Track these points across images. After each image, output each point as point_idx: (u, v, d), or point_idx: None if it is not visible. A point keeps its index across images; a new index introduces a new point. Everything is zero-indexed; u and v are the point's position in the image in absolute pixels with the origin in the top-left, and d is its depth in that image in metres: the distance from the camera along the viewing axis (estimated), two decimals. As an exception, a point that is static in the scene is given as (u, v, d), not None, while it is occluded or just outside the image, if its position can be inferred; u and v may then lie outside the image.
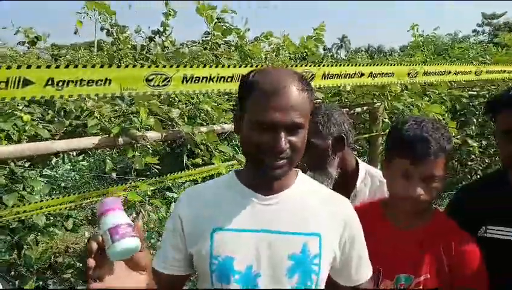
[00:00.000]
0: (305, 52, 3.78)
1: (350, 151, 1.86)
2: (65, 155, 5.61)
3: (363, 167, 1.85)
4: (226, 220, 1.08)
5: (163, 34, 3.47)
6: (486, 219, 1.45)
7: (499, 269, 1.36)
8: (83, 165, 6.50)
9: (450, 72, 2.85)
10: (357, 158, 1.90)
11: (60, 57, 2.73)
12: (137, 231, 0.94)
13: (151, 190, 2.20)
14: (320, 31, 3.70)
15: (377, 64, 2.50)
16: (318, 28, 3.67)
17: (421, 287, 1.36)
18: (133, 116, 2.17)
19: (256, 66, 2.38)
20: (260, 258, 1.06)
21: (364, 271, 1.19)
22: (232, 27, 3.41)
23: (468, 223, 1.45)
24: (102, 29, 3.20)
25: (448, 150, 1.35)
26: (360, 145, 3.91)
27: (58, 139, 2.15)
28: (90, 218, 2.49)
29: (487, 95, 4.16)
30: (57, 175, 5.20)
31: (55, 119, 2.36)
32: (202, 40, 3.42)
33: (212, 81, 1.72)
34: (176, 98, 2.45)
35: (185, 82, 1.62)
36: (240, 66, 1.94)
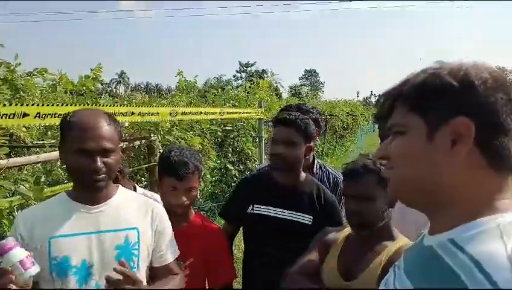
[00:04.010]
0: (84, 90, 3.96)
1: (127, 181, 2.28)
2: None
3: (140, 190, 2.31)
4: (60, 229, 1.37)
5: None
6: (255, 200, 2.01)
7: (259, 238, 1.97)
8: None
9: (202, 113, 3.68)
10: (135, 184, 2.34)
11: None
12: (34, 259, 1.22)
13: None
14: (97, 71, 3.99)
15: (146, 106, 3.03)
16: (95, 69, 3.94)
17: (187, 270, 1.83)
18: None
19: (31, 102, 2.49)
20: (92, 253, 1.39)
21: (172, 252, 1.60)
22: (1, 60, 3.29)
23: (242, 203, 2.03)
24: None
25: (200, 168, 1.95)
26: (141, 175, 4.32)
27: None
28: None
29: (235, 130, 5.39)
30: None
31: None
32: (-37, 73, 3.15)
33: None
34: None
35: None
36: (22, 105, 2.06)
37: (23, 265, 1.20)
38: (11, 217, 2.28)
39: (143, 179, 5.51)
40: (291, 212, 1.97)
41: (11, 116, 1.91)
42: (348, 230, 1.69)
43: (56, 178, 5.59)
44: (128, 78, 71.76)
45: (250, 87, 6.59)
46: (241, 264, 2.18)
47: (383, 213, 1.55)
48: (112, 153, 1.40)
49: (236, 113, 4.40)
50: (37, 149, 4.33)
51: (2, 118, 1.85)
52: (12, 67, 3.34)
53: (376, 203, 1.53)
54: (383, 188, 1.49)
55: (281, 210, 1.98)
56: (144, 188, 3.08)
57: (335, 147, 14.94)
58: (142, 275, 1.52)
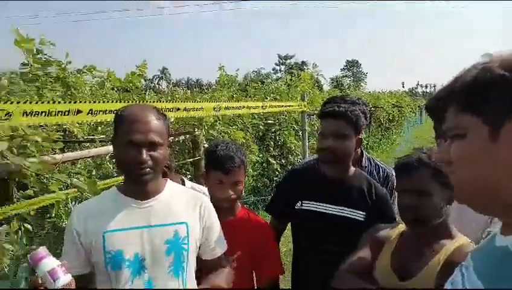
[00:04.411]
0: (130, 86, 4.09)
1: (174, 175, 2.32)
2: None
3: (188, 184, 2.35)
4: (113, 223, 1.41)
5: (-29, 64, 3.22)
6: (302, 196, 1.97)
7: (309, 234, 1.95)
8: None
9: (244, 107, 3.68)
10: (183, 177, 2.38)
11: None
12: (66, 268, 1.25)
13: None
14: (142, 68, 4.09)
15: (192, 101, 3.07)
16: (141, 66, 4.05)
17: (234, 263, 1.82)
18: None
19: (82, 100, 2.57)
20: (144, 247, 1.42)
21: (221, 247, 1.63)
22: (52, 59, 3.45)
23: (288, 198, 2.01)
24: None
25: (245, 162, 1.95)
26: (185, 169, 4.40)
27: None
28: None
29: (277, 123, 5.35)
30: None
31: None
32: (21, 72, 3.33)
33: (51, 114, 1.91)
34: (1, 132, 2.41)
35: (25, 116, 1.77)
36: (76, 102, 2.15)
37: (52, 275, 1.23)
38: (66, 208, 2.40)
39: (188, 173, 5.64)
40: (342, 208, 1.92)
41: (66, 113, 2.00)
42: (402, 227, 1.63)
43: (106, 172, 5.86)
44: (169, 74, 73.75)
45: (291, 79, 6.51)
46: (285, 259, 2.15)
47: (440, 210, 1.48)
48: (159, 147, 1.42)
49: (278, 106, 4.36)
50: (88, 144, 4.54)
51: (57, 115, 1.94)
52: (63, 66, 3.49)
53: (432, 199, 1.46)
54: (439, 183, 1.44)
55: (331, 206, 1.93)
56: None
57: (380, 140, 14.47)
58: (191, 269, 1.54)
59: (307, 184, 2.01)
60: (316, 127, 7.02)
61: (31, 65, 3.27)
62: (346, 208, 1.91)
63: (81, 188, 2.29)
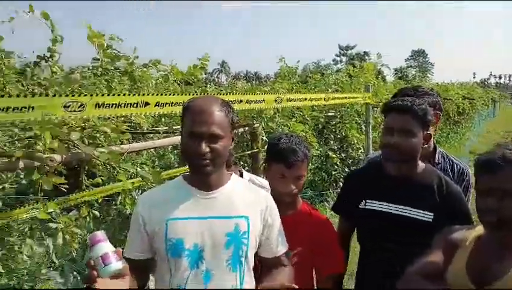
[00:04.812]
0: (192, 79, 4.19)
1: (233, 166, 2.32)
2: None
3: (247, 175, 2.33)
4: (177, 212, 1.43)
5: (50, 59, 3.47)
6: (366, 195, 1.90)
7: (374, 235, 1.87)
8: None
9: (306, 99, 3.59)
10: (242, 169, 2.37)
11: None
12: (119, 255, 1.26)
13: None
14: (204, 61, 4.16)
15: (253, 93, 3.05)
16: (203, 59, 4.11)
17: (295, 258, 1.80)
18: (33, 140, 2.24)
19: (148, 92, 2.66)
20: (204, 238, 1.42)
21: (281, 246, 1.61)
22: (121, 54, 3.62)
23: (352, 198, 1.95)
24: (-17, 54, 3.07)
25: (309, 156, 1.88)
26: (244, 161, 4.43)
27: None
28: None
29: (339, 116, 5.17)
30: None
31: None
32: (92, 66, 3.54)
33: (121, 106, 1.99)
34: (73, 123, 2.57)
35: (97, 108, 1.86)
36: (144, 95, 2.23)
37: (104, 259, 1.22)
38: (131, 197, 2.50)
39: (246, 165, 5.68)
40: (407, 208, 1.81)
41: (135, 105, 2.07)
42: (479, 229, 1.48)
43: (167, 162, 6.10)
44: (229, 68, 75.12)
45: (353, 70, 6.25)
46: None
47: None
48: (220, 139, 1.40)
49: (342, 98, 4.19)
50: (152, 135, 4.74)
51: (127, 106, 2.02)
52: (131, 60, 3.64)
53: None
54: None
55: (396, 206, 1.82)
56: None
57: (448, 134, 13.53)
58: (249, 265, 1.52)
59: (371, 182, 1.93)
60: (380, 120, 6.71)
61: (102, 60, 3.47)
62: (411, 208, 1.80)
63: (146, 177, 2.38)
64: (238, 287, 1.46)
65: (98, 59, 3.48)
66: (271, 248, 1.59)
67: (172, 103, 2.30)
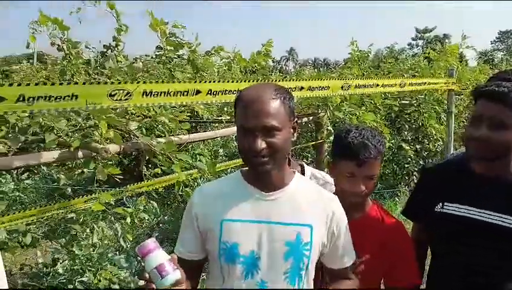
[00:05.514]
0: (256, 66, 4.03)
1: (294, 161, 2.10)
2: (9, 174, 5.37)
3: (308, 170, 2.09)
4: (233, 212, 1.28)
5: (116, 48, 3.53)
6: (444, 196, 1.64)
7: (450, 240, 1.61)
8: (27, 183, 6.22)
9: (378, 85, 3.21)
10: (303, 163, 2.14)
11: (12, 73, 2.71)
12: (175, 263, 1.14)
13: (112, 201, 2.28)
14: (268, 46, 3.97)
15: (315, 79, 2.78)
16: (266, 44, 3.93)
17: (362, 266, 1.58)
18: (91, 130, 2.24)
19: (209, 80, 2.54)
20: (261, 244, 1.26)
21: (349, 257, 1.42)
22: (184, 41, 3.56)
23: (427, 199, 1.69)
24: (52, 44, 3.20)
25: (383, 152, 1.62)
26: (307, 153, 4.20)
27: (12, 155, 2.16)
28: (47, 233, 2.49)
29: (415, 104, 4.64)
30: (2, 194, 4.97)
31: (9, 135, 2.36)
32: (156, 55, 3.54)
33: (170, 95, 1.88)
34: (133, 111, 2.55)
35: (144, 96, 1.77)
36: (196, 82, 2.10)
37: (160, 271, 1.10)
38: (192, 187, 2.42)
39: (309, 156, 5.44)
40: (496, 214, 1.51)
41: (185, 93, 1.95)
42: None
43: (230, 151, 6.09)
44: (297, 55, 74.21)
45: (434, 53, 5.60)
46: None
47: None
48: (277, 132, 1.21)
49: (420, 84, 3.71)
50: (217, 124, 4.70)
51: (176, 95, 1.91)
52: (193, 47, 3.57)
53: None
54: None
55: (482, 211, 1.53)
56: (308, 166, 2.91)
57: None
58: (310, 279, 1.34)
59: (450, 182, 1.65)
60: (461, 108, 6.02)
61: (165, 48, 3.44)
62: (502, 215, 1.50)
63: (202, 169, 2.28)
64: None
65: (162, 48, 3.48)
66: (335, 260, 1.40)
67: (226, 91, 2.14)
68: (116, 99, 1.65)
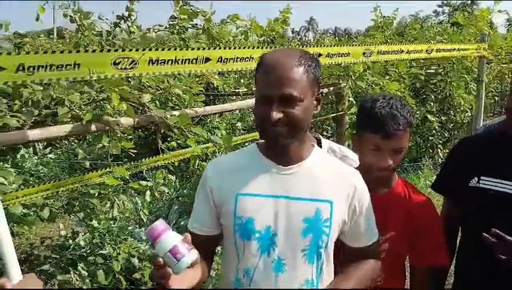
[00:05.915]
0: (273, 35, 3.84)
1: (309, 132, 1.99)
2: (32, 148, 5.45)
3: (326, 143, 1.99)
4: (249, 186, 1.21)
5: (129, 19, 3.43)
6: (479, 170, 1.57)
7: (483, 214, 1.54)
8: (50, 157, 6.34)
9: (403, 51, 2.99)
10: (320, 136, 2.03)
11: (24, 45, 2.66)
12: (189, 242, 1.06)
13: (128, 175, 2.24)
14: (286, 13, 3.76)
15: (334, 45, 2.60)
16: (284, 11, 3.73)
17: (386, 244, 1.50)
18: (104, 103, 2.18)
19: (224, 48, 2.42)
20: (278, 221, 1.19)
21: (371, 235, 1.33)
22: (198, 10, 3.42)
23: (460, 172, 1.62)
24: (65, 15, 3.12)
25: (412, 124, 1.50)
26: (327, 125, 4.06)
27: (28, 129, 2.13)
28: (66, 207, 2.50)
29: (442, 73, 4.38)
30: (25, 169, 5.08)
31: (23, 109, 2.33)
32: (169, 25, 3.42)
33: (178, 63, 1.77)
34: (146, 83, 2.47)
35: (151, 64, 1.66)
36: (204, 49, 1.98)
37: (175, 254, 1.02)
38: (202, 163, 2.36)
39: (329, 128, 5.29)
40: None
41: (194, 61, 1.83)
42: None
43: (250, 124, 5.99)
44: (317, 25, 72.34)
45: (463, 17, 5.24)
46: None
47: None
48: (297, 102, 1.12)
49: (449, 50, 3.46)
50: (234, 97, 4.59)
51: (184, 63, 1.80)
52: (207, 16, 3.43)
53: None
54: None
55: None
56: (328, 139, 2.79)
57: None
58: (329, 257, 1.26)
59: (486, 155, 1.57)
60: (492, 78, 5.70)
61: (179, 18, 3.32)
62: None
63: (218, 143, 2.20)
64: (315, 282, 1.22)
65: (175, 17, 3.35)
66: (356, 238, 1.32)
67: (237, 58, 2.00)
68: (121, 68, 1.56)
